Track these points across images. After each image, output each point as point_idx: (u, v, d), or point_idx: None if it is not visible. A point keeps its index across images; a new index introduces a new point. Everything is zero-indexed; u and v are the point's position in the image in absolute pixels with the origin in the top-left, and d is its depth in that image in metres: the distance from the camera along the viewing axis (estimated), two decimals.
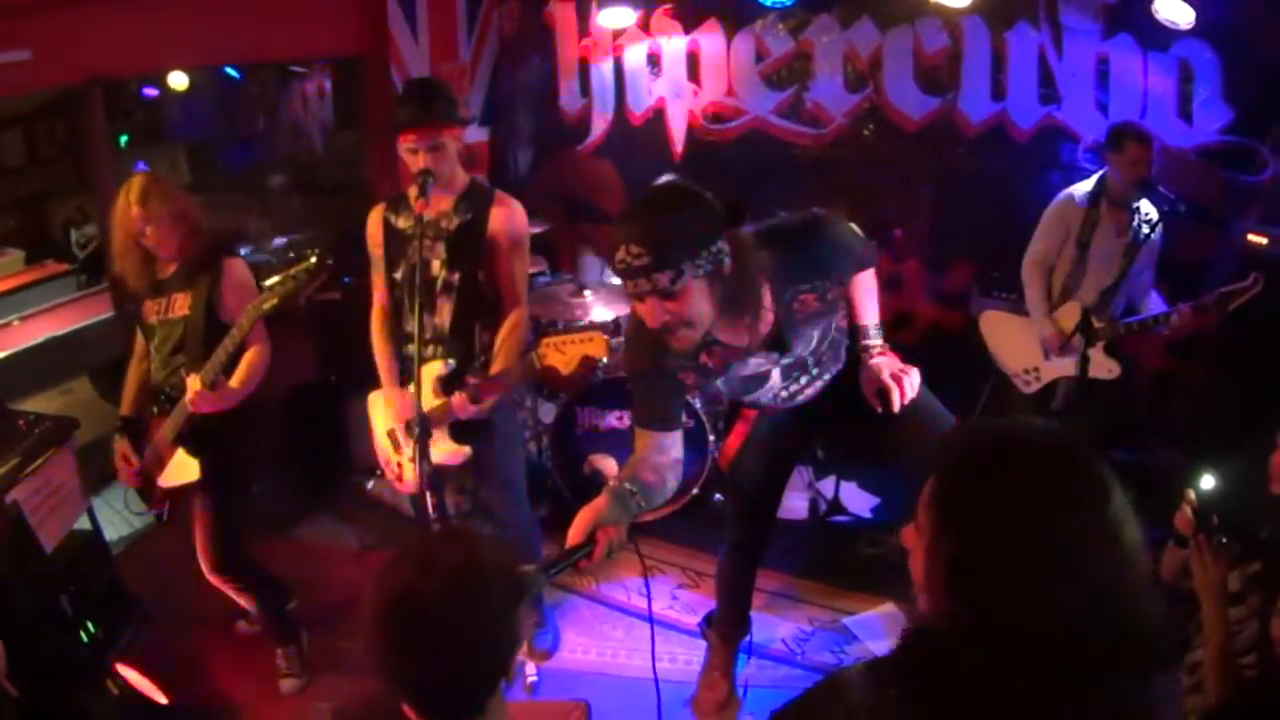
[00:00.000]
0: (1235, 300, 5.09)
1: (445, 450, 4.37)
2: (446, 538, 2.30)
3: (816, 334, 3.59)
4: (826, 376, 3.84)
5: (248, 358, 4.44)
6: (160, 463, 4.52)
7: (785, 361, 3.59)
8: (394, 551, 2.27)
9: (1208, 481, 3.33)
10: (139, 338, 4.71)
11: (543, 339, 3.93)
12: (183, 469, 4.46)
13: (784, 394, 3.78)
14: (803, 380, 3.77)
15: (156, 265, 4.52)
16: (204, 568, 4.60)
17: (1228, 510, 3.22)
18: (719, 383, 3.59)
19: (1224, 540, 3.13)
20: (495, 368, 4.34)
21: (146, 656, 4.70)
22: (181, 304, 4.47)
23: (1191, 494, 3.26)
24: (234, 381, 4.38)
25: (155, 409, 4.57)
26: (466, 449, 4.41)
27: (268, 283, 4.17)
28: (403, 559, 2.21)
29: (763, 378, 3.65)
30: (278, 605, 4.87)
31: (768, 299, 3.30)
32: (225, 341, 4.24)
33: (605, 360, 3.96)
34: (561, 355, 3.83)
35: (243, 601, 4.79)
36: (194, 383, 4.22)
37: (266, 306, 4.17)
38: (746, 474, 4.33)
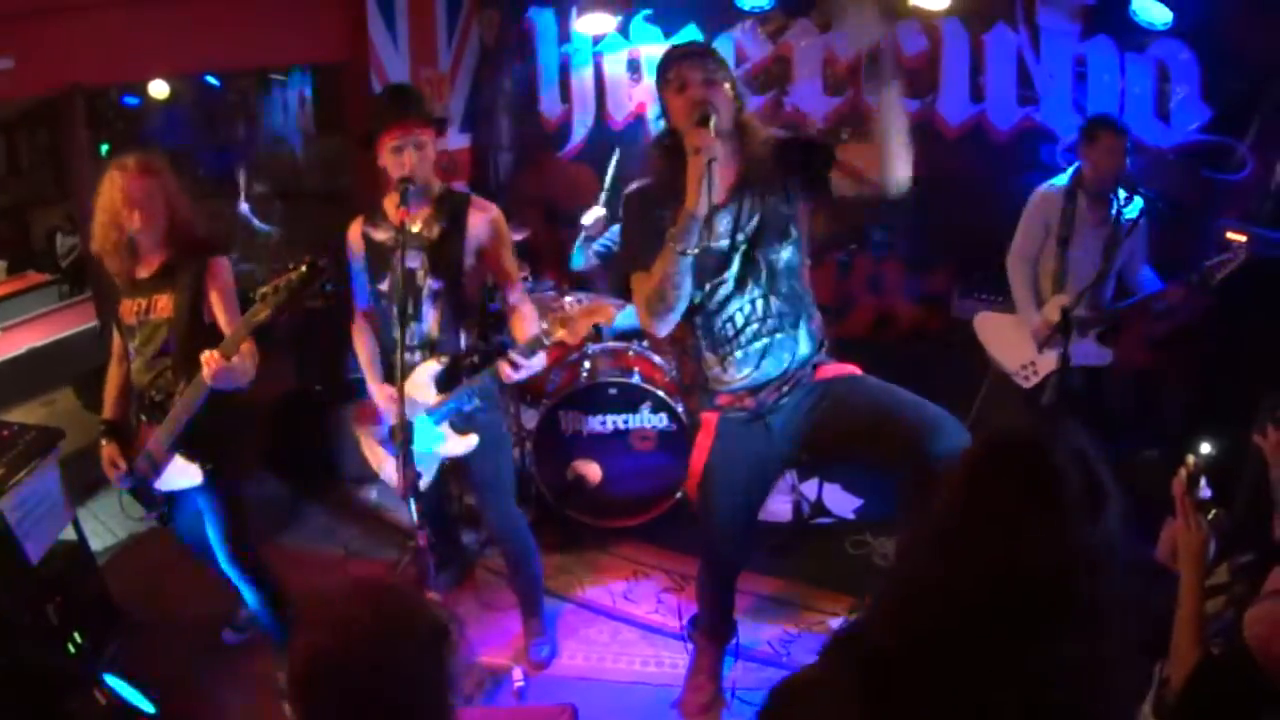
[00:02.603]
0: (1219, 273, 5.14)
1: (455, 443, 4.45)
2: (356, 594, 2.21)
3: (759, 219, 3.80)
4: (782, 336, 3.89)
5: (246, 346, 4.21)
6: (155, 468, 4.41)
7: (743, 244, 3.80)
8: (309, 609, 2.19)
9: (1205, 448, 3.35)
10: (117, 339, 4.60)
11: (548, 315, 4.20)
12: (183, 473, 4.37)
13: (741, 319, 3.85)
14: (760, 306, 3.85)
15: (136, 260, 4.40)
16: (222, 560, 4.56)
17: (1218, 484, 3.25)
18: (691, 255, 3.67)
19: (1207, 505, 3.15)
20: (521, 334, 4.40)
21: (133, 666, 4.69)
22: (164, 305, 4.34)
23: (1191, 458, 3.28)
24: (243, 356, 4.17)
25: (144, 416, 4.45)
26: (474, 437, 4.46)
27: (259, 292, 4.03)
28: (314, 622, 2.13)
29: (724, 261, 3.81)
30: (283, 609, 4.75)
31: (738, 155, 3.83)
32: (225, 346, 4.05)
33: (608, 326, 4.22)
34: (566, 328, 4.09)
35: (250, 598, 4.70)
36: (211, 359, 4.01)
37: (258, 320, 4.02)
38: (718, 502, 4.19)
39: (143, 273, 4.42)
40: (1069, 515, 1.77)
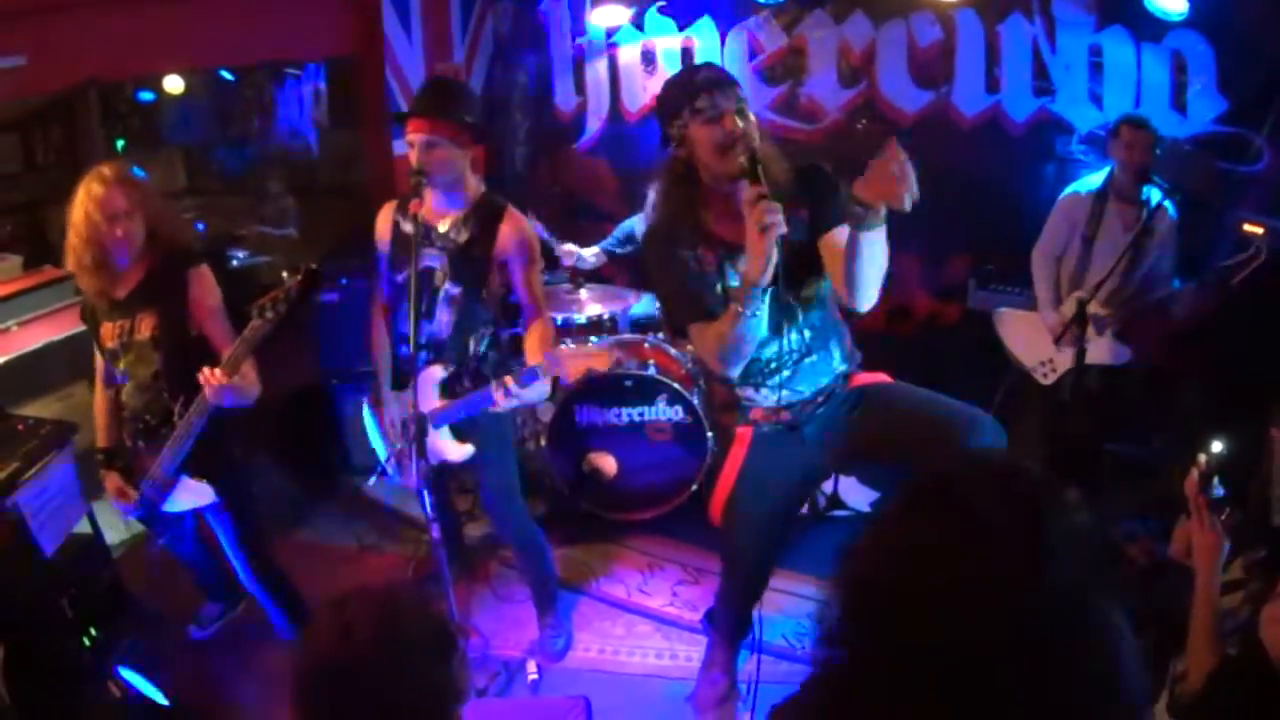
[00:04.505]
0: (1238, 273, 5.13)
1: (450, 449, 4.41)
2: (364, 599, 2.20)
3: (800, 258, 3.63)
4: (814, 359, 3.84)
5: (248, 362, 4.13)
6: (162, 492, 4.35)
7: (770, 286, 3.55)
8: (332, 601, 2.20)
9: (1217, 446, 3.33)
10: (99, 361, 4.51)
11: (552, 352, 4.09)
12: (193, 493, 4.33)
13: (772, 351, 3.76)
14: (794, 340, 3.77)
15: (115, 277, 4.23)
16: (248, 585, 4.57)
17: (1232, 482, 3.23)
18: (759, 317, 3.54)
19: (1220, 504, 3.13)
20: (531, 356, 4.33)
21: (148, 659, 4.71)
22: (148, 324, 4.23)
23: (1202, 458, 3.26)
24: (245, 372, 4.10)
25: (141, 441, 4.39)
26: (470, 446, 4.43)
27: (256, 306, 3.92)
28: (320, 626, 2.14)
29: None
30: (301, 616, 4.66)
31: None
32: (226, 364, 3.98)
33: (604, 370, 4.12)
34: (567, 366, 3.99)
35: (268, 607, 4.67)
36: (212, 376, 3.93)
37: (259, 335, 3.94)
38: (751, 515, 4.10)
39: (121, 291, 4.27)
40: (990, 572, 1.41)
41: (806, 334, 3.80)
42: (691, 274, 3.69)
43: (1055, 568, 1.38)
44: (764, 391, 3.88)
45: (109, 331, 4.30)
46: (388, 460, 4.70)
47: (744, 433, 4.02)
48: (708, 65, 3.72)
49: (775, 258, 3.29)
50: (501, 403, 4.16)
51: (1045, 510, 1.44)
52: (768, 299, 3.55)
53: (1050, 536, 1.40)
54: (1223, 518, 3.14)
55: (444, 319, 4.37)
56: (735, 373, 3.74)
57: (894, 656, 1.45)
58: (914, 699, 1.40)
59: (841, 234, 3.46)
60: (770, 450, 3.97)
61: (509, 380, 4.12)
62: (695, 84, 3.55)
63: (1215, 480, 3.20)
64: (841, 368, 3.94)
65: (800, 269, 3.67)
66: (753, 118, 3.56)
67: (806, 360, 3.83)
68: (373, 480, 6.37)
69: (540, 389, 4.21)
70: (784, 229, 3.25)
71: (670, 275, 3.76)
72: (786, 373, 3.81)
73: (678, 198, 3.73)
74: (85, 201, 4.06)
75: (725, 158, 3.49)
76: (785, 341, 3.76)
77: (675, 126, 3.61)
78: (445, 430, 4.40)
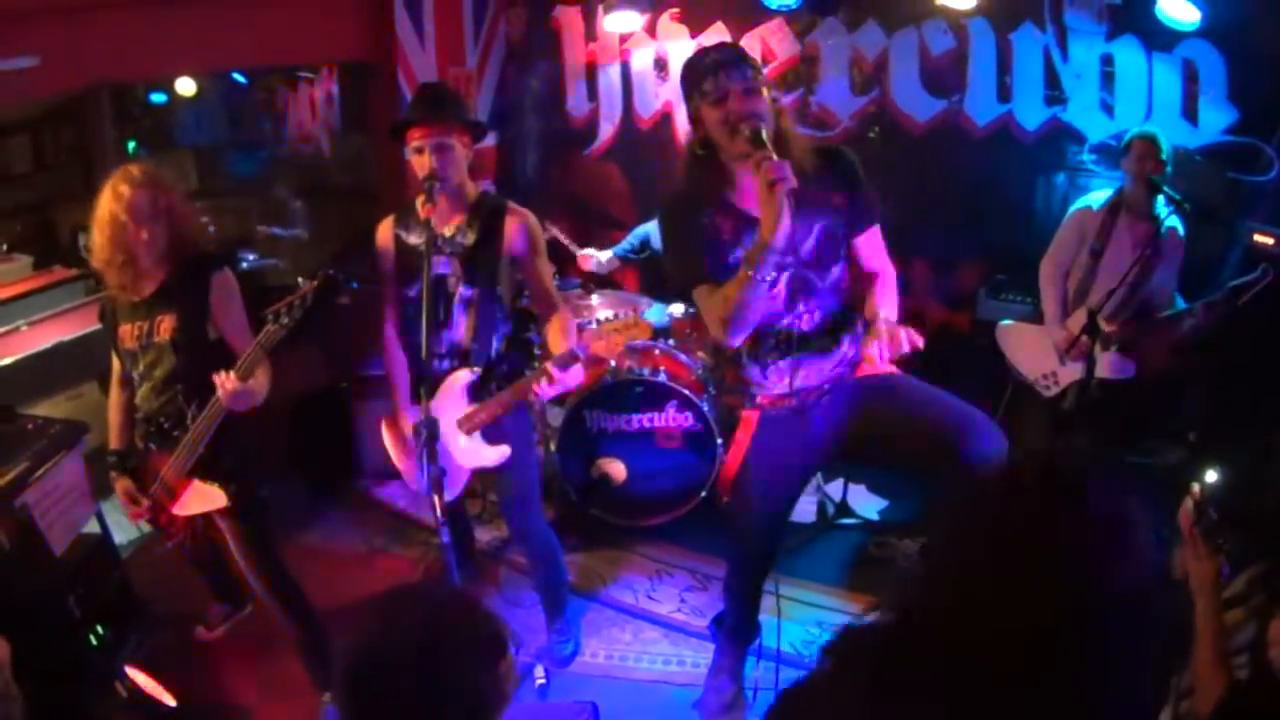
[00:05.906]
0: (1245, 293, 5.11)
1: (485, 454, 4.42)
2: (413, 596, 2.19)
3: (815, 239, 3.69)
4: (825, 346, 3.84)
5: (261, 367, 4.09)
6: (173, 495, 4.31)
7: (791, 266, 3.63)
8: (374, 597, 2.21)
9: (1211, 475, 3.31)
10: (115, 363, 4.47)
11: (586, 332, 4.08)
12: (204, 497, 4.27)
13: (784, 332, 3.78)
14: (804, 320, 3.77)
15: (137, 278, 4.19)
16: (258, 589, 4.49)
17: (1231, 506, 3.20)
18: (768, 280, 3.53)
19: (1216, 531, 3.11)
20: (556, 345, 4.34)
21: (154, 659, 4.70)
22: (167, 326, 4.17)
23: (1196, 487, 3.24)
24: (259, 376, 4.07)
25: (153, 444, 4.37)
26: (504, 448, 4.42)
27: (272, 311, 3.90)
28: (369, 621, 2.13)
29: (772, 280, 3.64)
30: (311, 626, 4.59)
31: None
32: (240, 369, 3.95)
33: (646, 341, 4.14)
34: (604, 343, 3.98)
35: (289, 628, 4.56)
36: (226, 380, 3.92)
37: (274, 340, 3.91)
38: (755, 498, 4.17)
39: (142, 293, 4.23)
40: (1083, 554, 1.56)
41: (817, 316, 3.80)
42: (705, 240, 3.70)
43: (1133, 561, 1.53)
44: (771, 375, 3.89)
45: (128, 333, 4.26)
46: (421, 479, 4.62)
47: (750, 417, 4.04)
48: (719, 47, 3.72)
49: (787, 217, 3.33)
50: (548, 392, 4.17)
51: (1131, 511, 1.58)
52: (785, 277, 3.61)
53: (1138, 536, 1.55)
54: (1218, 543, 3.11)
55: (463, 324, 4.37)
56: (737, 341, 3.74)
57: (974, 614, 1.58)
58: (982, 655, 1.55)
59: (866, 240, 3.71)
60: (775, 434, 3.99)
61: (549, 366, 4.12)
62: (703, 67, 3.58)
63: (1209, 509, 3.17)
64: (850, 358, 3.94)
65: (824, 251, 3.72)
66: (767, 96, 3.57)
67: (819, 344, 3.84)
68: (396, 490, 6.44)
69: (577, 373, 4.20)
70: (792, 183, 3.29)
71: (682, 238, 3.80)
72: (801, 354, 3.81)
73: (698, 173, 3.75)
74: (111, 201, 4.03)
75: (733, 138, 3.50)
76: (795, 318, 3.77)
77: (692, 108, 3.66)
78: (477, 435, 4.39)
